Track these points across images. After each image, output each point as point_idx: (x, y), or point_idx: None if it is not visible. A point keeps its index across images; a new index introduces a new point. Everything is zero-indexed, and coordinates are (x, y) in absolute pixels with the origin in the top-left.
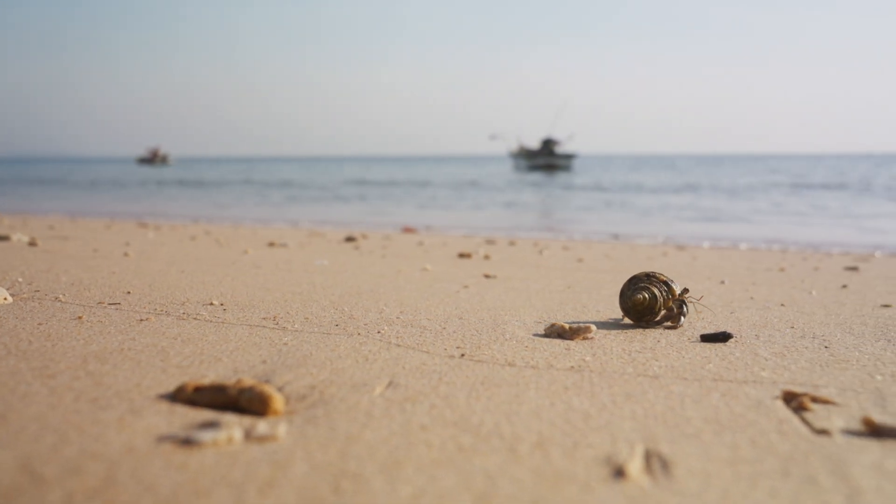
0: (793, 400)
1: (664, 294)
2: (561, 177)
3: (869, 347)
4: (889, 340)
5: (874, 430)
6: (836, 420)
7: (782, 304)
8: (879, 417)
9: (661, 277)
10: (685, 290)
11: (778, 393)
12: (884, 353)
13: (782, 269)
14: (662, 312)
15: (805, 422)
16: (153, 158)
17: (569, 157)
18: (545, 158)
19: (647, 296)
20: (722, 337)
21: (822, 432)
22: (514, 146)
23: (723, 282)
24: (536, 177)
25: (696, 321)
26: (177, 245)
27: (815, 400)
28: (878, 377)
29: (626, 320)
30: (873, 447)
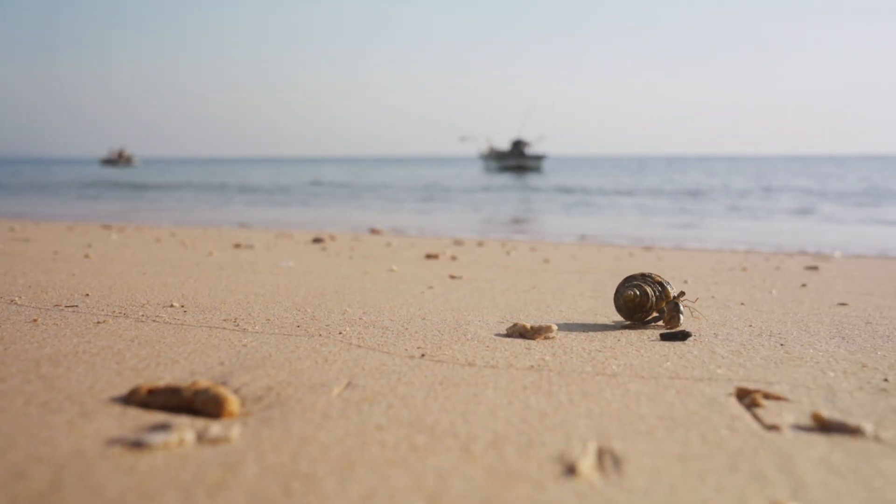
0: (745, 397)
1: (657, 293)
2: (531, 178)
3: (823, 345)
4: (843, 338)
5: (823, 426)
6: (786, 416)
7: (742, 303)
8: (828, 413)
9: (657, 278)
10: (681, 293)
11: (732, 390)
12: (837, 351)
13: (745, 269)
14: (654, 313)
15: (756, 418)
16: (118, 159)
17: (539, 158)
18: (515, 160)
19: (637, 293)
20: (681, 336)
21: (773, 428)
22: (484, 147)
23: (686, 281)
24: (506, 178)
25: (690, 323)
26: (141, 247)
27: (767, 396)
28: (830, 374)
29: (619, 318)
30: (821, 442)
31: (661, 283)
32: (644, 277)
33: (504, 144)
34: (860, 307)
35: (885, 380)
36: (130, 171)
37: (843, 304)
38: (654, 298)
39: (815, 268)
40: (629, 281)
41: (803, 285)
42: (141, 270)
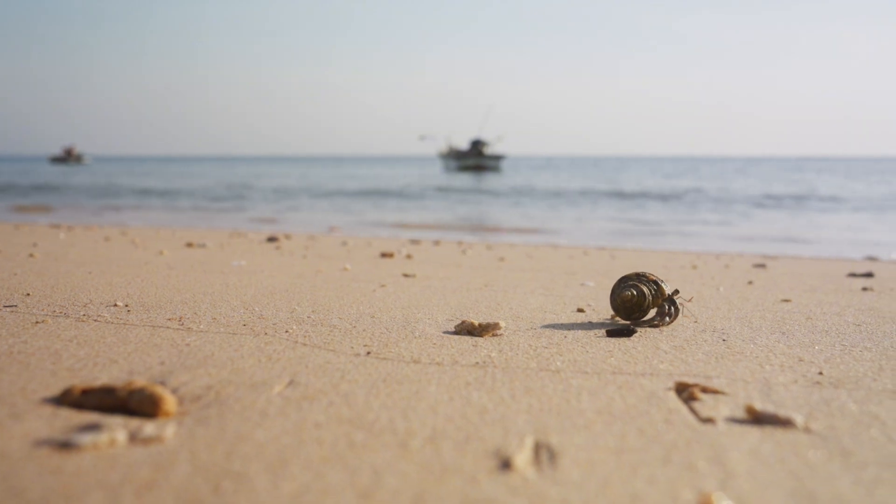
0: (684, 391)
1: (653, 292)
2: (490, 178)
3: (764, 340)
4: (784, 333)
5: (755, 418)
6: (722, 409)
7: (689, 300)
8: (761, 405)
9: (651, 277)
10: (675, 291)
11: (672, 384)
12: (777, 345)
13: (695, 267)
14: (652, 311)
15: (693, 411)
16: (67, 157)
17: (498, 158)
18: (474, 159)
19: (635, 293)
20: (626, 332)
21: (708, 421)
22: (443, 147)
23: None
24: (465, 178)
25: (685, 321)
26: (89, 246)
27: (705, 390)
28: (768, 367)
29: (618, 319)
30: (753, 433)
31: (655, 282)
32: (639, 277)
33: (464, 144)
34: (803, 303)
35: (820, 373)
36: (80, 170)
37: (786, 301)
38: (650, 297)
39: (762, 265)
40: (625, 281)
41: (750, 282)
42: (87, 270)
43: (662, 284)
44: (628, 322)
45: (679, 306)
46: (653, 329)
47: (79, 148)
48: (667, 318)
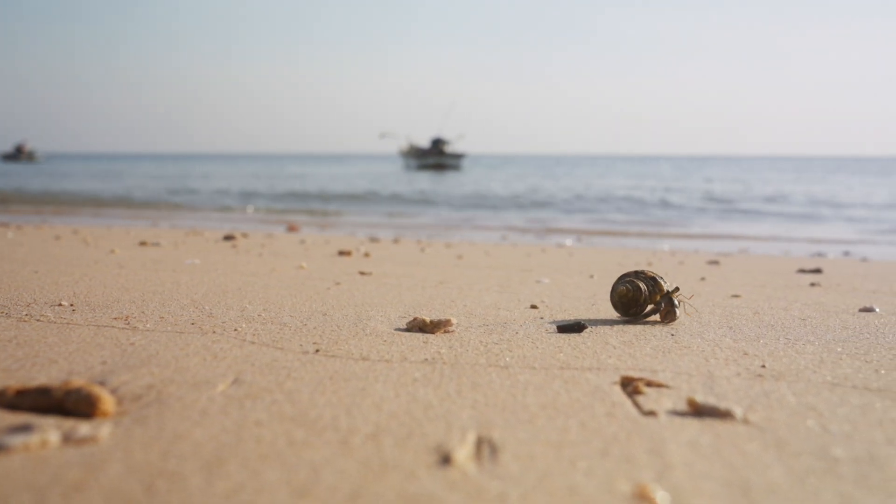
0: (629, 385)
1: (650, 288)
2: (450, 176)
3: (711, 334)
4: (731, 328)
5: (696, 410)
6: (664, 402)
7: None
8: (703, 398)
9: (649, 274)
10: (676, 288)
11: (618, 379)
12: (723, 340)
13: (650, 264)
14: (650, 307)
15: (636, 404)
16: (19, 155)
17: (458, 156)
18: (435, 158)
19: (630, 287)
20: (577, 327)
21: (650, 414)
22: (404, 145)
23: (592, 276)
24: (425, 176)
25: (687, 317)
26: (38, 245)
27: (649, 384)
28: (713, 361)
29: (616, 315)
30: (693, 426)
31: (653, 279)
32: (636, 274)
33: (425, 142)
34: (752, 298)
35: (763, 366)
36: (34, 168)
37: (736, 296)
38: (646, 293)
39: (716, 262)
40: (622, 278)
41: (702, 279)
42: (33, 269)
43: (661, 281)
44: (627, 317)
45: (678, 303)
46: (604, 326)
47: (30, 145)
48: (675, 314)
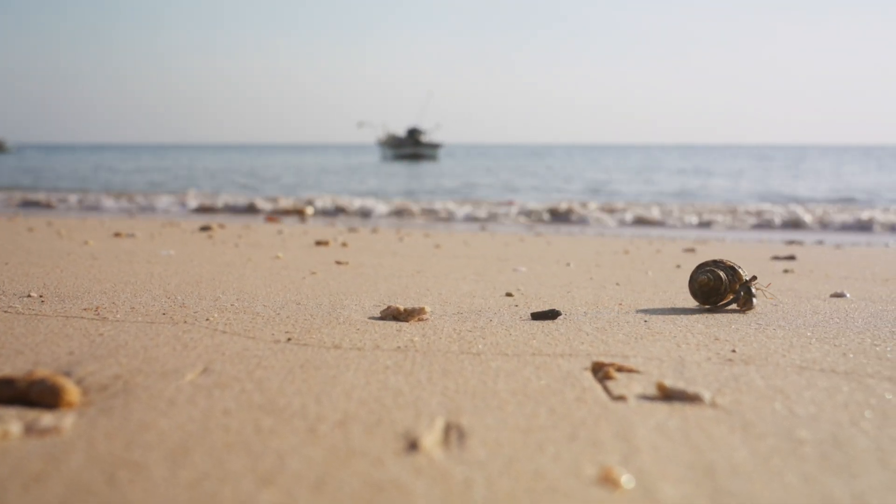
0: (600, 370)
1: (729, 277)
2: (426, 166)
3: (684, 321)
4: (703, 313)
5: (666, 395)
6: (634, 387)
7: (617, 284)
8: (673, 383)
9: (728, 263)
10: (753, 277)
11: (589, 364)
12: (695, 326)
13: (627, 252)
14: (730, 296)
15: (606, 390)
16: None
17: (435, 146)
18: (411, 148)
19: (711, 277)
20: (551, 314)
21: (619, 398)
22: (381, 134)
23: (569, 264)
24: (402, 166)
25: (764, 306)
26: (9, 237)
27: (620, 369)
28: (684, 346)
29: (695, 304)
30: (662, 410)
31: (732, 268)
32: (716, 263)
33: (402, 132)
34: None
35: (733, 350)
36: (6, 158)
37: None
38: (727, 282)
39: (692, 250)
40: (702, 267)
41: (678, 266)
42: (4, 261)
43: (739, 270)
44: (707, 306)
45: (755, 291)
46: (578, 312)
47: (0, 134)
48: (752, 302)
